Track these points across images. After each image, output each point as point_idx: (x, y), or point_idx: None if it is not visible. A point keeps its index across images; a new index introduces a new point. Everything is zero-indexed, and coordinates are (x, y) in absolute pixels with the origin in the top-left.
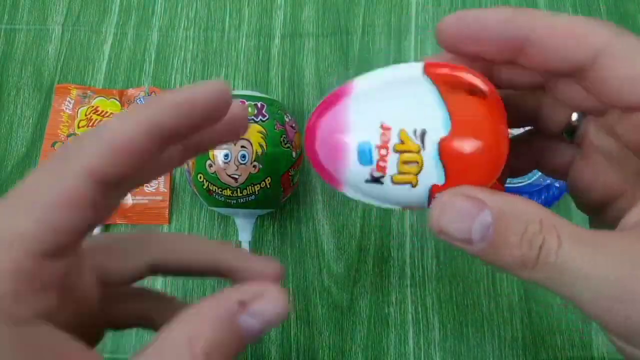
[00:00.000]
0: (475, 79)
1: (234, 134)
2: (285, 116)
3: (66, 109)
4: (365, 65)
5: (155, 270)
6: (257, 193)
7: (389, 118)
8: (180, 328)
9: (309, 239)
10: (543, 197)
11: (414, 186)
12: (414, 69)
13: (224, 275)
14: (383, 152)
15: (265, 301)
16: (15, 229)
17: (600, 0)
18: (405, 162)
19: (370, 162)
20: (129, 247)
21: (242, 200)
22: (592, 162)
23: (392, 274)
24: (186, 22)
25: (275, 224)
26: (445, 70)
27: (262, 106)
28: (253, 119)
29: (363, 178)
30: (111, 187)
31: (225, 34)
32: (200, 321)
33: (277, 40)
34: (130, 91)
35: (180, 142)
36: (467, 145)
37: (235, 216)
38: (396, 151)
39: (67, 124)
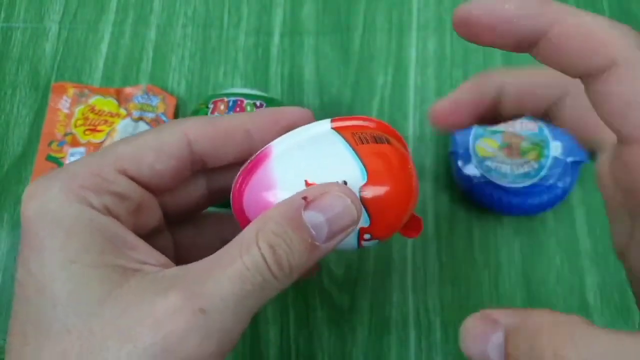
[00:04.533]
0: (378, 131)
1: None
2: None
3: (63, 107)
4: (366, 63)
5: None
6: None
7: (311, 174)
8: (251, 225)
9: None
10: (546, 198)
11: None
12: (322, 125)
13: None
14: None
15: (328, 196)
16: (115, 149)
17: (604, 0)
18: None
19: None
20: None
21: None
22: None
23: (393, 276)
24: (184, 20)
25: None
26: (349, 123)
27: (262, 105)
28: None
29: None
30: (195, 162)
31: (223, 31)
32: (267, 217)
33: (276, 38)
34: (128, 90)
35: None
36: (383, 190)
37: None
38: None
39: (63, 123)
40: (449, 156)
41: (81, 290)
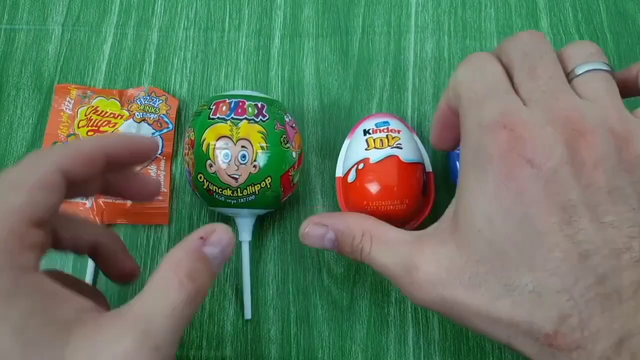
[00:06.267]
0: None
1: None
2: (285, 116)
3: (66, 109)
4: (365, 65)
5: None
6: (257, 193)
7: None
8: (165, 265)
9: None
10: None
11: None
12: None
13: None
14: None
15: (218, 232)
16: (9, 204)
17: (600, 0)
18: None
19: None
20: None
21: (242, 200)
22: None
23: None
24: (186, 22)
25: (275, 224)
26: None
27: (263, 106)
28: (254, 119)
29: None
30: (71, 184)
31: (225, 34)
32: (177, 256)
33: (277, 40)
34: (130, 91)
35: (115, 171)
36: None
37: (236, 216)
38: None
39: (67, 124)
40: (447, 157)
41: (37, 349)
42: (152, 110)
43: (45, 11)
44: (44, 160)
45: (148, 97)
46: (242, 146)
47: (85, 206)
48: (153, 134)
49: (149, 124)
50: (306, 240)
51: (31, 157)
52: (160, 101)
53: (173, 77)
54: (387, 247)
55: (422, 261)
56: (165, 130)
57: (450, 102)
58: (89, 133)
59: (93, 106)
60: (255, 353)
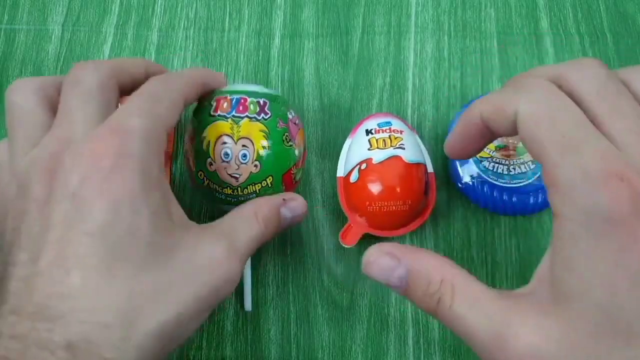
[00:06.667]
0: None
1: None
2: (288, 112)
3: None
4: (365, 65)
5: None
6: (258, 192)
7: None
8: (248, 206)
9: (309, 238)
10: (542, 197)
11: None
12: None
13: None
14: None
15: (297, 202)
16: (158, 114)
17: (600, 0)
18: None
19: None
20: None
21: (243, 199)
22: None
23: None
24: (186, 22)
25: None
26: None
27: (265, 103)
28: (255, 117)
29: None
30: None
31: (225, 34)
32: (261, 204)
33: (277, 41)
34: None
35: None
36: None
37: None
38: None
39: None
40: (447, 157)
41: (162, 236)
42: None
43: (45, 11)
44: (173, 86)
45: None
46: (243, 145)
47: None
48: None
49: None
50: (370, 270)
51: (163, 81)
52: None
53: None
54: (474, 303)
55: (522, 329)
56: None
57: (495, 123)
58: None
59: None
60: (255, 353)
